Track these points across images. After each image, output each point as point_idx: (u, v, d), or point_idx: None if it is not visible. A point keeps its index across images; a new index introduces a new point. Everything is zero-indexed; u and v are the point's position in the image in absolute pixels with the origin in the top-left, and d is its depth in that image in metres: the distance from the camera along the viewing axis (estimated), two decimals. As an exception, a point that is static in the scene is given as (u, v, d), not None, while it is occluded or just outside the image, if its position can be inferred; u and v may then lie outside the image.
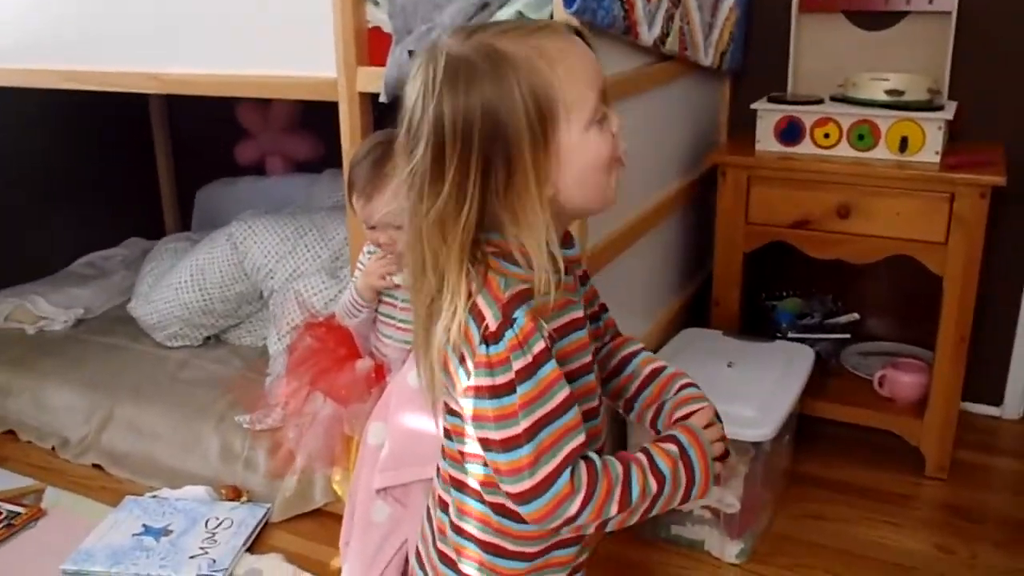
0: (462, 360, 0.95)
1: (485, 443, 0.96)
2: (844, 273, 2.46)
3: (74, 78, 2.13)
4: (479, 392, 0.93)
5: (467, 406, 0.96)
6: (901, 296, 2.53)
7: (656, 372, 1.15)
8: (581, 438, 0.95)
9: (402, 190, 0.99)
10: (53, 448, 2.42)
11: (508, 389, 0.92)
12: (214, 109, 3.03)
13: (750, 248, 2.30)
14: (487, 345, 0.92)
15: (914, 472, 2.23)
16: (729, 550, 1.93)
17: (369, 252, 1.68)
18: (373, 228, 1.60)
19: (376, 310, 1.67)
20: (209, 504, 2.12)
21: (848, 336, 2.50)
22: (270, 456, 2.00)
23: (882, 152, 2.15)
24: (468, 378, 0.94)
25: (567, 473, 0.93)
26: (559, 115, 0.93)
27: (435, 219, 0.94)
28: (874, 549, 1.97)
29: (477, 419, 0.95)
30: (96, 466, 2.35)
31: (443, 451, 1.10)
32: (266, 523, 2.07)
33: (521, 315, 0.92)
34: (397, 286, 1.62)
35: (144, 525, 2.05)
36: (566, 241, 1.05)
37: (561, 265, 0.94)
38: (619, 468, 0.97)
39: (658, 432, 1.10)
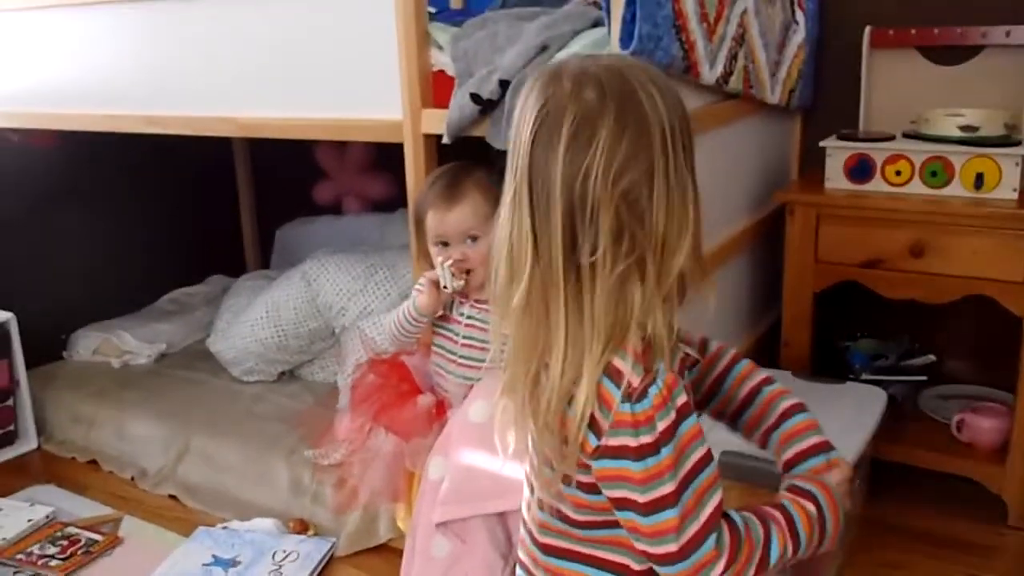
0: (592, 423, 0.92)
1: (623, 503, 0.93)
2: (920, 314, 2.39)
3: (155, 123, 2.24)
4: (620, 452, 0.91)
5: (601, 466, 0.93)
6: (980, 337, 2.45)
7: (790, 412, 1.15)
8: (720, 494, 0.93)
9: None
10: (132, 478, 2.50)
11: (653, 449, 0.90)
12: (294, 151, 3.14)
13: (820, 287, 2.26)
14: (631, 403, 0.90)
15: (996, 521, 2.14)
16: (797, 597, 1.88)
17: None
18: (445, 244, 1.64)
19: (433, 343, 1.70)
20: (277, 536, 2.16)
21: (925, 378, 2.43)
22: (335, 491, 2.03)
23: (956, 189, 2.10)
24: (599, 438, 0.92)
25: (713, 537, 0.91)
26: None
27: (616, 280, 0.92)
28: (950, 600, 1.90)
29: (614, 480, 0.92)
30: (172, 497, 2.42)
31: (545, 526, 1.05)
32: (332, 557, 2.09)
33: (662, 368, 0.90)
34: (455, 292, 1.64)
35: (214, 555, 2.10)
36: None
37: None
38: (760, 530, 0.95)
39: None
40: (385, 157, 3.21)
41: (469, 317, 1.70)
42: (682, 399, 0.91)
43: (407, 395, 1.69)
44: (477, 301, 1.70)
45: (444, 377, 1.70)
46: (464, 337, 1.70)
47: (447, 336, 1.71)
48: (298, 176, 3.37)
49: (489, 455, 1.52)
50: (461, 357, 1.69)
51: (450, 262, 1.63)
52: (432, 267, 1.69)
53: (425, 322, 1.71)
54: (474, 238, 1.65)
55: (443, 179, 1.65)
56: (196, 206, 3.46)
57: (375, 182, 3.26)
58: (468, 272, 1.64)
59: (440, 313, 1.72)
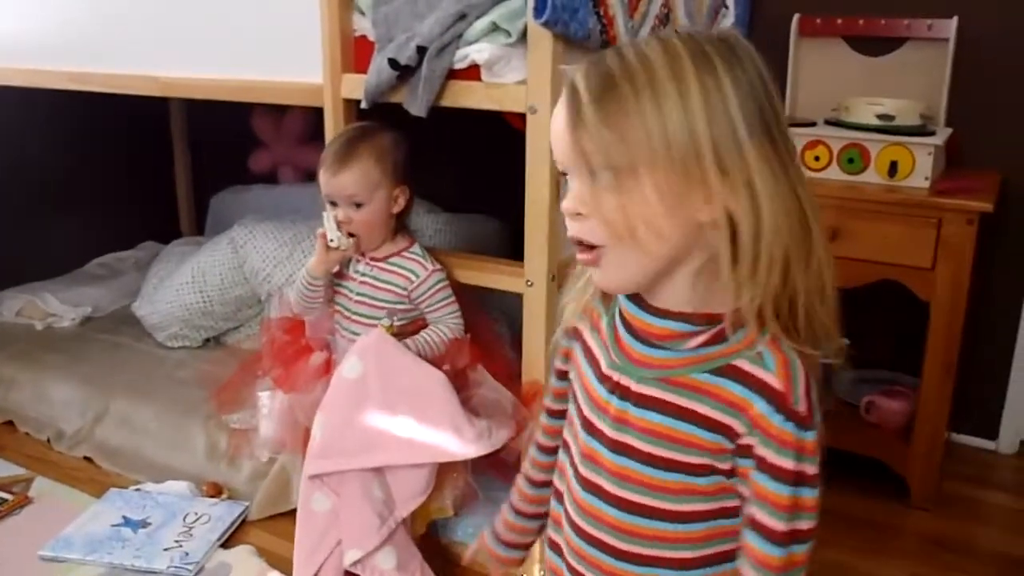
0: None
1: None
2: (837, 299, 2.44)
3: (80, 79, 2.21)
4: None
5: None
6: (894, 323, 2.50)
7: None
8: None
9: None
10: (48, 440, 2.48)
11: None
12: (231, 119, 3.12)
13: (739, 268, 2.29)
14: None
15: (899, 501, 2.21)
16: (698, 568, 1.92)
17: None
18: (334, 204, 1.66)
19: (334, 301, 1.71)
20: (189, 499, 2.15)
21: (838, 362, 2.47)
22: (231, 439, 2.03)
23: (872, 176, 2.15)
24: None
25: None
26: None
27: None
28: (848, 574, 1.95)
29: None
30: (87, 459, 2.39)
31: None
32: (244, 520, 2.09)
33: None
34: (340, 249, 1.69)
35: (124, 516, 2.09)
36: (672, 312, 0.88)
37: None
38: None
39: None
40: (321, 128, 3.19)
41: (363, 274, 1.72)
42: None
43: (305, 351, 1.70)
44: (373, 259, 1.72)
45: (340, 334, 1.72)
46: (357, 294, 1.72)
47: (344, 293, 1.73)
48: (234, 144, 3.34)
49: (360, 411, 1.54)
50: (354, 314, 1.71)
51: (333, 220, 1.66)
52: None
53: (320, 284, 1.72)
54: (358, 204, 1.67)
55: (341, 139, 1.68)
56: (131, 172, 3.42)
57: (311, 152, 3.23)
58: (352, 233, 1.67)
59: (338, 271, 1.74)
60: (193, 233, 3.56)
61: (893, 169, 2.11)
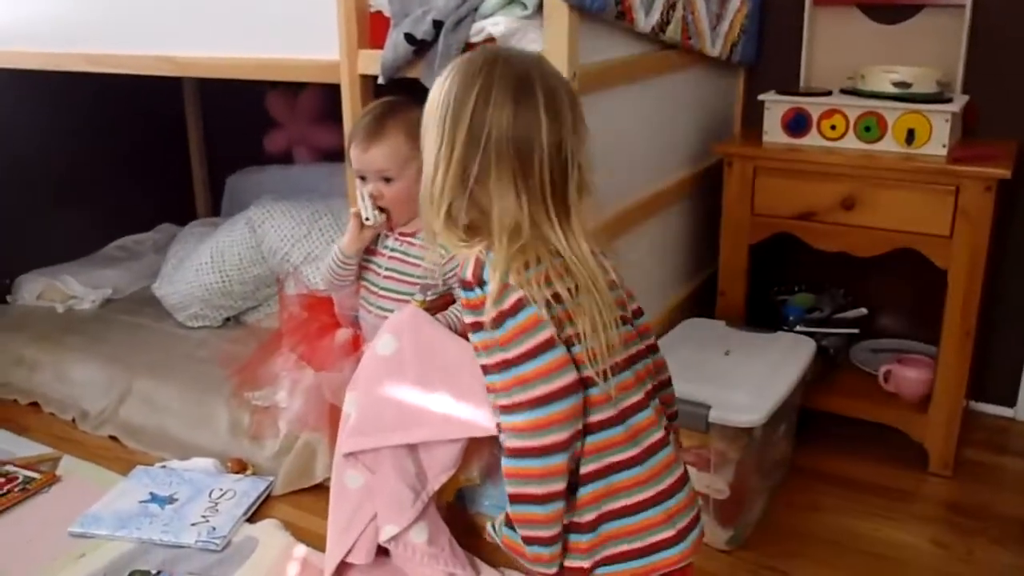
0: None
1: None
2: (855, 268, 2.44)
3: (95, 61, 2.22)
4: None
5: None
6: (912, 292, 2.51)
7: None
8: None
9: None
10: (73, 420, 2.51)
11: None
12: (246, 100, 3.13)
13: (756, 239, 2.30)
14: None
15: (918, 468, 2.21)
16: (719, 536, 1.93)
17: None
18: (363, 179, 1.66)
19: (362, 277, 1.72)
20: (215, 476, 2.18)
21: (856, 331, 2.49)
22: (254, 419, 2.05)
23: (889, 144, 2.14)
24: None
25: None
26: None
27: None
28: (867, 542, 1.96)
29: None
30: (112, 438, 2.43)
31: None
32: (268, 496, 2.12)
33: None
34: (374, 225, 1.69)
35: (151, 493, 2.12)
36: None
37: None
38: None
39: None
40: (336, 107, 3.19)
41: (393, 250, 1.72)
42: None
43: (328, 328, 1.72)
44: (402, 234, 1.73)
45: (368, 310, 1.73)
46: (387, 269, 1.72)
47: (372, 269, 1.73)
48: (249, 125, 3.35)
49: (397, 387, 1.55)
50: (382, 289, 1.72)
51: (367, 198, 1.66)
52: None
53: (353, 263, 1.73)
54: (388, 179, 1.67)
55: (371, 114, 1.68)
56: (146, 154, 3.44)
57: (326, 132, 3.25)
58: (383, 210, 1.67)
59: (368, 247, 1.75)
60: (209, 214, 3.58)
61: (910, 137, 2.11)
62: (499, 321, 1.10)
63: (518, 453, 1.10)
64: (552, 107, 1.14)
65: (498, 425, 1.16)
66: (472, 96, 1.12)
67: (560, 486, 1.11)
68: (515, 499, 1.12)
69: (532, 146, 1.12)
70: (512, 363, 1.10)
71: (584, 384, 1.13)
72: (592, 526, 1.17)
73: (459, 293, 1.17)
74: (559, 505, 1.11)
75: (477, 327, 1.14)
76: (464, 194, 1.13)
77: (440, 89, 1.16)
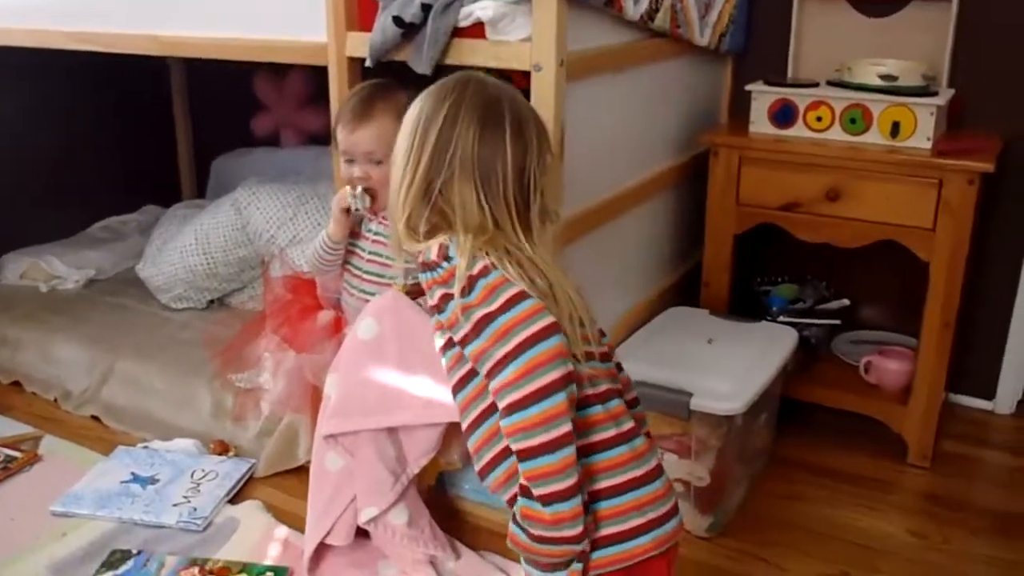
0: None
1: None
2: (839, 260, 2.46)
3: (81, 39, 2.20)
4: None
5: None
6: (895, 285, 2.52)
7: None
8: None
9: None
10: (56, 400, 2.50)
11: None
12: (232, 82, 3.11)
13: (740, 229, 2.31)
14: None
15: (896, 459, 2.23)
16: (699, 523, 1.95)
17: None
18: (351, 162, 1.66)
19: (346, 261, 1.72)
20: (196, 457, 2.18)
21: (838, 323, 2.50)
22: (237, 400, 2.05)
23: (874, 137, 2.15)
24: None
25: None
26: None
27: None
28: (845, 531, 1.98)
29: None
30: (94, 418, 2.42)
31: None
32: (250, 477, 2.12)
33: None
34: (360, 210, 1.68)
35: (133, 473, 2.12)
36: None
37: None
38: None
39: None
40: (323, 91, 3.18)
41: (376, 233, 1.73)
42: None
43: (310, 310, 1.72)
44: (385, 218, 1.73)
45: (350, 293, 1.73)
46: (370, 252, 1.73)
47: (356, 252, 1.73)
48: (236, 108, 3.34)
49: (376, 371, 1.55)
50: (365, 272, 1.72)
51: (359, 190, 1.66)
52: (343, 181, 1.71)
53: (340, 248, 1.73)
54: (377, 161, 1.67)
55: (358, 95, 1.68)
56: (132, 136, 3.42)
57: (312, 115, 3.24)
58: (371, 190, 1.67)
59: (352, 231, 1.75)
60: (194, 197, 3.57)
61: (895, 129, 2.12)
62: (470, 285, 1.14)
63: (516, 407, 1.09)
64: (518, 133, 1.20)
65: (483, 413, 1.16)
66: (441, 114, 1.20)
67: (566, 428, 1.09)
68: (525, 454, 1.10)
69: (495, 167, 1.18)
70: (493, 315, 1.12)
71: None
72: (586, 508, 1.17)
73: (423, 278, 1.22)
74: (570, 451, 1.09)
75: (447, 299, 1.17)
76: (427, 206, 1.20)
77: (415, 107, 1.24)
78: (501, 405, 1.11)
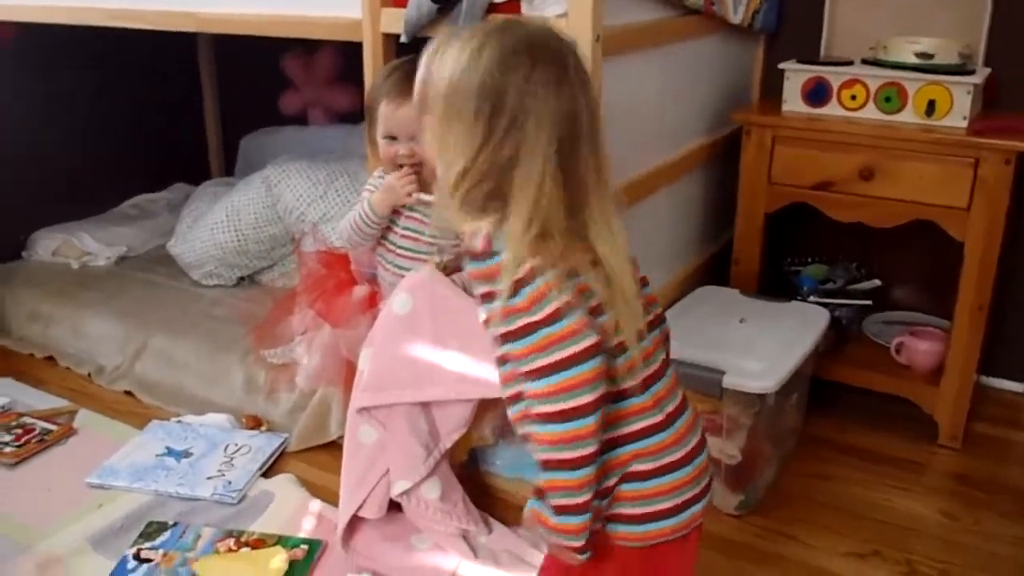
0: None
1: None
2: (871, 240, 2.44)
3: (119, 16, 2.21)
4: None
5: None
6: (927, 266, 2.51)
7: None
8: None
9: None
10: (89, 375, 2.53)
11: None
12: (261, 60, 3.12)
13: (772, 208, 2.30)
14: None
15: (927, 440, 2.23)
16: (729, 501, 1.95)
17: (379, 176, 1.73)
18: (393, 139, 1.65)
19: (381, 236, 1.72)
20: (230, 431, 2.20)
21: (870, 303, 2.49)
22: (270, 373, 2.07)
23: (909, 115, 2.13)
24: None
25: None
26: None
27: None
28: (875, 510, 1.98)
29: None
30: (128, 393, 2.45)
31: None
32: (283, 452, 2.14)
33: None
34: (421, 201, 1.67)
35: (167, 447, 2.14)
36: None
37: None
38: None
39: None
40: (351, 69, 3.19)
41: (411, 209, 1.73)
42: None
43: (345, 285, 1.72)
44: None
45: (385, 268, 1.73)
46: (404, 228, 1.73)
47: (391, 227, 1.74)
48: (264, 86, 3.35)
49: (409, 346, 1.56)
50: (400, 248, 1.73)
51: (412, 185, 1.66)
52: (378, 156, 1.71)
53: (382, 223, 1.73)
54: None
55: (400, 71, 1.66)
56: (161, 114, 3.44)
57: (341, 93, 3.25)
58: (416, 167, 1.67)
59: None
60: (222, 175, 3.59)
61: (931, 108, 2.10)
62: (515, 289, 1.07)
63: (544, 418, 1.08)
64: (584, 81, 1.11)
65: (520, 393, 1.13)
66: (516, 73, 1.06)
67: (590, 450, 1.08)
68: (546, 465, 1.10)
69: (572, 124, 1.08)
70: (536, 326, 1.07)
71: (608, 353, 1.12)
72: (610, 490, 1.17)
73: (468, 264, 1.14)
74: (590, 471, 1.09)
75: (490, 297, 1.11)
76: (487, 182, 1.09)
77: (469, 67, 1.08)
78: (532, 411, 1.10)
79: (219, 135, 3.64)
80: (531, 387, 1.09)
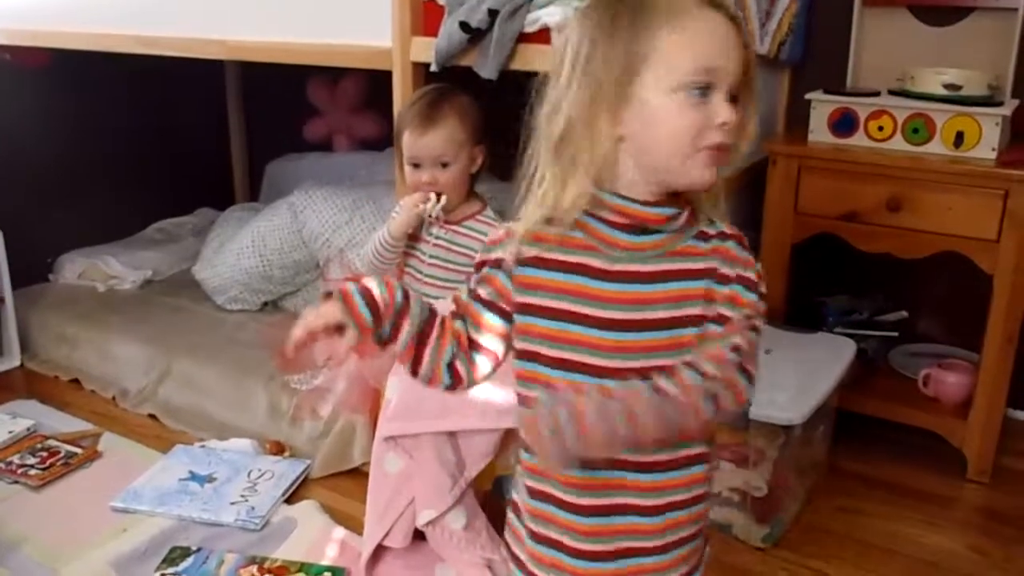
0: None
1: None
2: (897, 272, 2.43)
3: (148, 43, 2.24)
4: None
5: None
6: (955, 297, 2.49)
7: None
8: None
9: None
10: (113, 398, 2.54)
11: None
12: (286, 87, 3.15)
13: (798, 239, 2.29)
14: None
15: (955, 474, 2.20)
16: (754, 533, 1.93)
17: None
18: (417, 167, 1.67)
19: (405, 264, 1.73)
20: (253, 456, 2.20)
21: (896, 335, 2.47)
22: (296, 402, 2.07)
23: (937, 147, 2.12)
24: None
25: None
26: (642, 69, 0.95)
27: None
28: (904, 545, 1.95)
29: None
30: (152, 416, 2.46)
31: None
32: (305, 478, 2.14)
33: None
34: (436, 218, 1.68)
35: (191, 471, 2.14)
36: (662, 201, 1.01)
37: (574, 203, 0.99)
38: None
39: None
40: (376, 96, 3.23)
41: (437, 237, 1.74)
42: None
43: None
44: (447, 222, 1.74)
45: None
46: (431, 256, 1.74)
47: (416, 255, 1.75)
48: (289, 113, 3.38)
49: None
50: (426, 276, 1.73)
51: (444, 200, 1.67)
52: (405, 183, 1.72)
53: (399, 246, 1.74)
54: (445, 164, 1.68)
55: (424, 100, 1.68)
56: (187, 139, 3.47)
57: (365, 120, 3.27)
58: (439, 195, 1.68)
59: (411, 233, 1.76)
60: (247, 200, 3.61)
61: (959, 139, 2.09)
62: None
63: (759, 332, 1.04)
64: None
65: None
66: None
67: None
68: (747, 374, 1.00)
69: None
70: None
71: None
72: None
73: (737, 249, 1.05)
74: None
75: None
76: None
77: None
78: (755, 322, 1.06)
79: (245, 160, 3.68)
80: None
